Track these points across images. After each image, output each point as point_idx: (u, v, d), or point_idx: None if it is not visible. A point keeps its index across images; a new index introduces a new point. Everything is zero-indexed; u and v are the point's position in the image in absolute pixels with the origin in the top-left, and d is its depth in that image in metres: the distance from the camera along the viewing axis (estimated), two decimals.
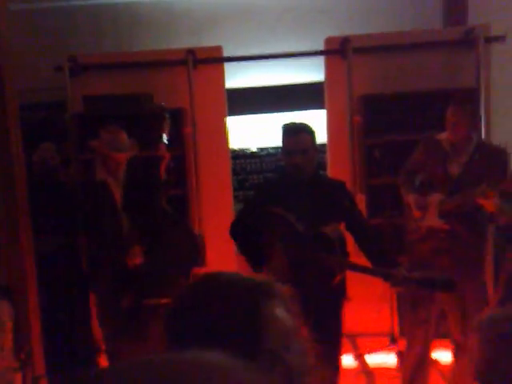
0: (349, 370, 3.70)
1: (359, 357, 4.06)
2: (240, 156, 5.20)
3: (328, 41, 4.21)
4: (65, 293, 4.29)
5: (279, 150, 5.13)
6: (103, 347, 4.20)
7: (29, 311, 3.18)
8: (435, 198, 3.05)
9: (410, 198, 3.16)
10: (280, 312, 0.98)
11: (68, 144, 4.19)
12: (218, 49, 4.24)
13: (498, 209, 2.87)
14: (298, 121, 2.79)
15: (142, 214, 3.28)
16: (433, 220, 3.03)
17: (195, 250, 3.21)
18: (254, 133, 5.14)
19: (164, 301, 3.24)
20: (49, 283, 3.75)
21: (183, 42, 4.55)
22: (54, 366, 3.42)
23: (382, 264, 2.56)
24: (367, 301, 3.90)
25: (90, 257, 3.62)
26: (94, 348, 4.20)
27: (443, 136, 3.13)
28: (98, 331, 4.25)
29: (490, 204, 2.87)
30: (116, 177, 3.37)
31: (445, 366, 3.49)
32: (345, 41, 4.10)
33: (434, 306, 3.10)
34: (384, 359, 3.94)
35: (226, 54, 4.27)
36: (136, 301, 3.23)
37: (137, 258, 3.23)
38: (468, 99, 3.07)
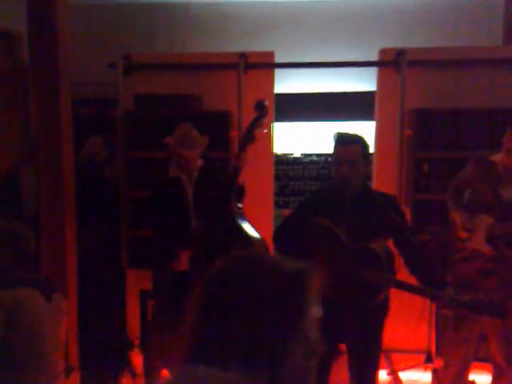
0: None
1: (393, 373, 3.99)
2: (283, 162, 5.17)
3: (383, 52, 4.15)
4: (101, 286, 4.35)
5: (323, 157, 5.15)
6: (136, 342, 4.24)
7: (68, 302, 3.22)
8: (484, 221, 2.96)
9: (458, 216, 3.08)
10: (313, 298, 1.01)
11: (116, 140, 4.25)
12: (270, 54, 4.23)
13: None
14: (351, 131, 2.75)
15: (209, 215, 3.28)
16: (480, 244, 2.95)
17: None
18: (300, 139, 5.11)
19: None
20: (87, 275, 3.80)
21: (234, 45, 4.56)
22: (86, 359, 3.46)
23: (431, 283, 2.50)
24: (405, 317, 3.83)
25: (154, 253, 3.60)
26: (127, 344, 4.24)
27: (498, 158, 3.04)
28: (131, 327, 4.30)
29: None
30: (189, 175, 3.40)
31: None
32: (400, 53, 4.03)
33: (476, 326, 3.03)
34: (418, 377, 3.88)
35: (277, 59, 4.26)
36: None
37: (179, 263, 3.23)
38: None
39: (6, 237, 2.33)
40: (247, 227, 3.23)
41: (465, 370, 3.11)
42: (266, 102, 3.20)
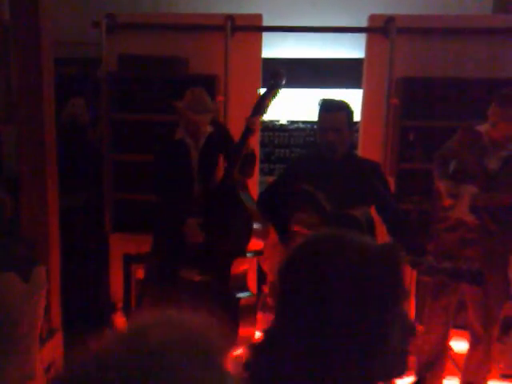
0: None
1: None
2: (269, 128, 5.13)
3: (372, 18, 4.09)
4: (85, 249, 4.34)
5: (309, 124, 5.12)
6: (119, 305, 4.26)
7: (49, 265, 3.21)
8: (468, 189, 2.97)
9: (443, 184, 3.10)
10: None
11: (99, 102, 4.17)
12: (258, 17, 4.15)
13: None
14: (336, 98, 2.73)
15: (213, 181, 3.24)
16: (463, 212, 2.97)
17: (246, 240, 3.11)
18: (286, 105, 5.06)
19: (198, 278, 3.22)
20: (70, 239, 3.79)
21: (221, 7, 4.46)
22: (69, 321, 3.47)
23: (411, 251, 2.52)
24: None
25: (154, 214, 3.57)
26: (110, 306, 4.26)
27: (483, 128, 3.04)
28: (114, 290, 4.31)
29: None
30: (196, 139, 3.35)
31: (459, 355, 3.48)
32: (390, 19, 3.97)
33: (455, 294, 3.08)
34: None
35: (265, 22, 4.18)
36: (174, 269, 3.22)
37: (193, 234, 3.19)
38: (510, 100, 2.95)
39: None
40: (247, 198, 3.21)
41: (445, 337, 3.18)
42: (283, 70, 3.14)
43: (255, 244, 3.11)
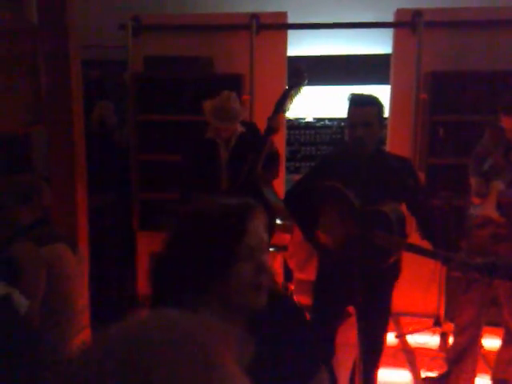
0: (389, 348, 3.66)
1: (401, 336, 4.01)
2: (294, 126, 5.10)
3: (398, 13, 4.04)
4: (113, 248, 4.39)
5: (336, 122, 5.07)
6: (148, 303, 4.29)
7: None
8: (496, 186, 2.92)
9: (473, 182, 3.05)
10: (259, 223, 1.19)
11: (126, 104, 4.21)
12: (283, 15, 4.14)
13: None
14: (366, 92, 2.68)
15: (242, 182, 3.24)
16: (490, 210, 2.92)
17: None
18: (312, 103, 5.02)
19: None
20: (98, 237, 3.82)
21: (246, 6, 4.45)
22: (97, 319, 3.51)
23: (443, 247, 2.47)
24: (415, 280, 3.82)
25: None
26: (139, 303, 4.29)
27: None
28: (141, 288, 4.34)
29: None
30: (226, 139, 3.32)
31: (490, 353, 3.43)
32: (416, 14, 3.92)
33: (489, 289, 3.01)
34: (426, 340, 3.89)
35: (290, 20, 4.16)
36: None
37: None
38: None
39: (31, 191, 2.31)
40: (269, 193, 3.20)
41: (477, 333, 3.11)
42: (304, 67, 3.13)
43: (278, 238, 3.10)
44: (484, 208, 2.96)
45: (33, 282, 2.06)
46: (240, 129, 3.35)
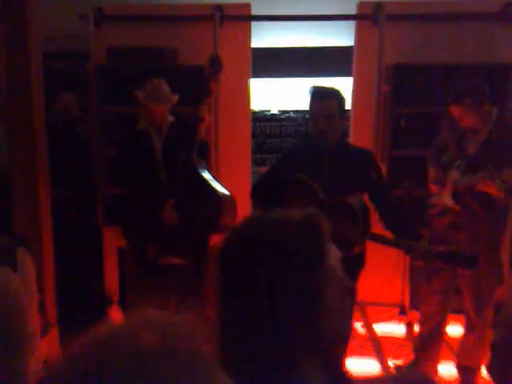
0: (356, 337, 3.73)
1: (367, 325, 4.08)
2: (260, 118, 5.12)
3: (360, 5, 4.08)
4: (78, 243, 4.33)
5: (301, 114, 5.11)
6: (114, 299, 4.26)
7: (43, 260, 3.20)
8: (452, 175, 3.01)
9: (431, 172, 3.13)
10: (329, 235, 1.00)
11: (89, 95, 4.14)
12: (247, 6, 4.13)
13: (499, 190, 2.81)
14: (327, 85, 2.73)
15: (177, 171, 3.28)
16: (446, 198, 3.00)
17: (217, 214, 3.21)
18: (276, 95, 5.05)
19: (177, 262, 3.26)
20: (62, 233, 3.77)
21: None
22: (64, 316, 3.47)
23: (406, 236, 2.53)
24: (379, 270, 3.87)
25: (124, 205, 3.65)
26: (106, 299, 4.25)
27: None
28: (109, 283, 4.30)
29: (491, 190, 2.83)
30: (158, 128, 3.40)
31: (454, 340, 3.52)
32: (378, 6, 3.97)
33: (451, 277, 3.09)
34: (392, 329, 3.97)
35: (253, 11, 4.15)
36: (156, 256, 3.26)
37: (170, 215, 3.23)
38: (463, 92, 2.96)
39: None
40: (211, 180, 3.29)
41: (442, 322, 3.19)
42: (219, 56, 3.25)
43: (227, 219, 3.18)
44: (441, 197, 3.04)
45: None
46: (170, 118, 3.45)
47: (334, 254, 0.99)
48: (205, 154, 3.44)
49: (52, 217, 3.39)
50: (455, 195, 2.99)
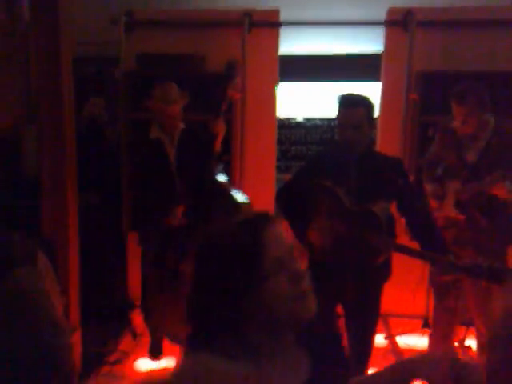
0: (378, 349, 3.67)
1: (390, 337, 4.02)
2: (285, 126, 5.10)
3: (390, 11, 4.04)
4: (103, 248, 4.37)
5: (326, 121, 5.07)
6: (137, 304, 4.28)
7: (69, 264, 3.24)
8: (452, 186, 2.97)
9: (428, 188, 3.09)
10: (279, 232, 1.16)
11: (118, 101, 4.18)
12: (276, 12, 4.12)
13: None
14: (355, 93, 2.68)
15: (192, 179, 3.30)
16: (449, 209, 2.95)
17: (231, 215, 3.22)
18: (303, 102, 5.02)
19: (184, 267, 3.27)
20: (88, 237, 3.81)
21: (240, 1, 4.42)
22: (88, 319, 3.50)
23: (432, 248, 2.48)
24: (404, 282, 3.80)
25: (140, 213, 3.68)
26: (129, 304, 4.28)
27: (455, 124, 3.01)
28: (133, 288, 4.33)
29: (501, 192, 2.78)
30: (171, 136, 3.42)
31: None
32: (408, 12, 3.92)
33: (461, 294, 3.05)
34: (415, 342, 3.90)
35: (282, 17, 4.15)
36: (175, 263, 3.26)
37: (174, 219, 3.25)
38: (464, 93, 2.91)
39: None
40: (229, 188, 3.36)
41: (449, 336, 3.15)
42: (235, 61, 3.26)
43: None
44: (443, 209, 3.00)
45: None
46: (181, 125, 3.45)
47: (282, 246, 1.13)
48: (221, 160, 3.47)
49: (79, 220, 3.43)
50: (457, 206, 2.95)
